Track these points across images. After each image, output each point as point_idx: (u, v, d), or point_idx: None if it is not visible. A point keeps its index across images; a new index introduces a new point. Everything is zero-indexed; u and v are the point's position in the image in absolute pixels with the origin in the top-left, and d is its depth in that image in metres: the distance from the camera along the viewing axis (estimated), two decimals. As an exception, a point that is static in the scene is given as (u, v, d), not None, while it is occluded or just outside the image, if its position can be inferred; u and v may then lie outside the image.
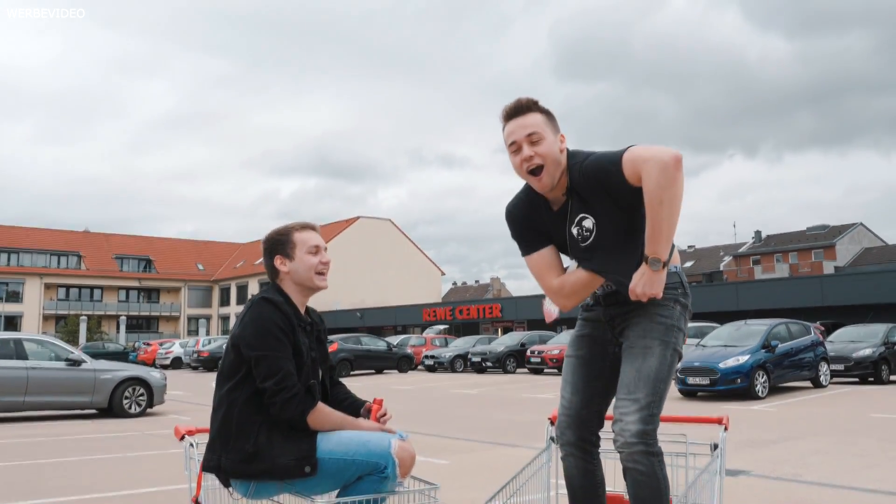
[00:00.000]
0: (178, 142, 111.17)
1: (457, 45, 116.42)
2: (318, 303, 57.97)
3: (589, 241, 2.52)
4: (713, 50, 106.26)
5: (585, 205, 2.51)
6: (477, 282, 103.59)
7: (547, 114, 2.54)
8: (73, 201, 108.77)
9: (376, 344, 27.99)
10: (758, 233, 70.14)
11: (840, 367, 16.61)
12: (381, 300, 56.06)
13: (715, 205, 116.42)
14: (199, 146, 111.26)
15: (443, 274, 68.18)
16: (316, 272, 2.61)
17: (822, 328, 22.35)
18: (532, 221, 2.67)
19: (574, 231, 2.55)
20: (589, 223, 2.51)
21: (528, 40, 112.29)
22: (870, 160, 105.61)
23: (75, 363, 12.05)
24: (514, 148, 2.52)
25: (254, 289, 66.18)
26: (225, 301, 71.24)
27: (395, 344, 29.30)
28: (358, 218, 64.64)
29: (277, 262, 2.61)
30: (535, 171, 2.51)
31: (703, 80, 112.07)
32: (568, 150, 2.58)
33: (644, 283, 2.40)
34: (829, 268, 57.62)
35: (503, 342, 26.99)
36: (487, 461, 7.20)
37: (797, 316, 25.08)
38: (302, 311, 2.60)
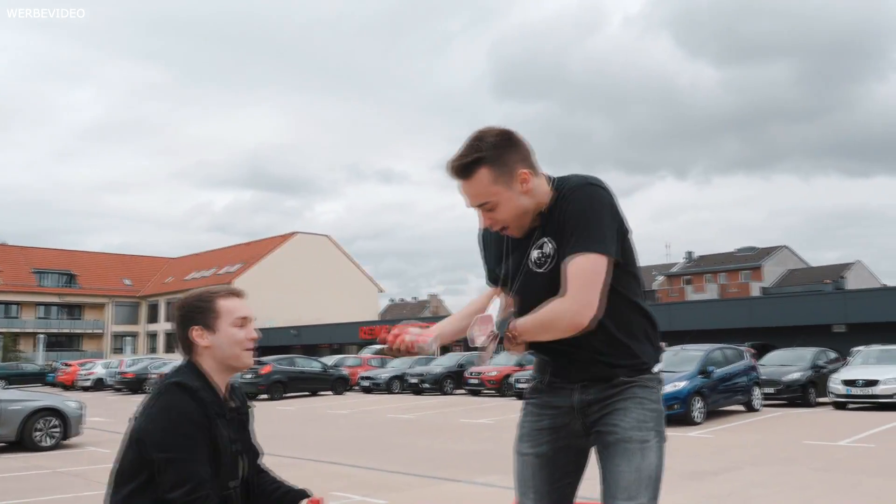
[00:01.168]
0: (106, 151, 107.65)
1: (397, 62, 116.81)
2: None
3: (545, 268, 2.16)
4: (646, 74, 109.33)
5: (553, 230, 2.16)
6: (415, 298, 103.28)
7: (496, 161, 2.10)
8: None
9: (311, 365, 27.33)
10: (689, 253, 72.01)
11: (771, 390, 16.91)
12: (317, 317, 55.15)
13: (648, 225, 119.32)
14: (130, 156, 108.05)
15: (381, 290, 67.60)
16: (244, 348, 2.22)
17: (754, 351, 22.85)
18: (500, 246, 2.37)
19: (534, 254, 2.18)
20: (549, 248, 2.15)
21: (468, 59, 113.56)
22: (791, 185, 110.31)
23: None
24: (476, 210, 2.20)
25: (184, 305, 64.14)
26: (153, 318, 68.94)
27: (330, 365, 28.69)
28: (295, 233, 63.61)
29: (195, 334, 2.17)
30: (502, 230, 2.22)
31: (637, 103, 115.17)
32: (554, 179, 2.22)
33: (488, 338, 2.10)
34: (755, 289, 59.51)
35: (441, 363, 26.68)
36: (429, 499, 6.90)
37: (728, 336, 25.59)
38: (223, 392, 2.19)
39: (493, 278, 2.39)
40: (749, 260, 66.42)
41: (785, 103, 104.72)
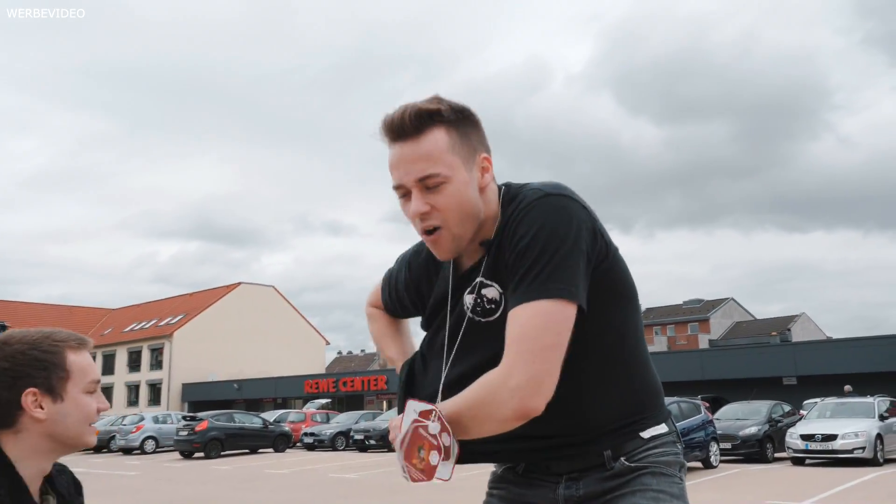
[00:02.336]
0: (49, 201, 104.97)
1: (345, 116, 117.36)
2: (193, 374, 54.79)
3: (493, 318, 1.51)
4: (589, 131, 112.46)
5: (497, 269, 1.52)
6: (363, 351, 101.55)
7: (458, 128, 1.48)
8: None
9: (251, 421, 26.03)
10: (638, 305, 72.63)
11: (728, 445, 16.41)
12: (261, 370, 53.41)
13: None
14: (73, 206, 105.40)
15: (327, 343, 66.18)
16: (90, 424, 1.53)
17: (707, 404, 22.49)
18: (420, 282, 1.72)
19: (468, 300, 1.55)
20: (492, 292, 1.52)
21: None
22: (733, 239, 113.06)
23: None
24: (401, 193, 1.51)
25: (122, 358, 61.83)
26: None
27: (271, 420, 27.45)
28: (239, 284, 62.05)
29: (28, 400, 1.45)
30: (431, 232, 1.50)
31: (581, 159, 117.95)
32: (502, 189, 1.57)
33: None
34: (704, 341, 59.92)
35: (388, 418, 25.78)
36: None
37: (679, 388, 25.34)
38: (38, 482, 1.48)
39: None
40: (696, 312, 67.17)
41: (724, 160, 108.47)
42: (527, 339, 1.36)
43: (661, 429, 1.56)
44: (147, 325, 61.81)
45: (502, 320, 1.45)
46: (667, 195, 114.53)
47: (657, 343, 62.57)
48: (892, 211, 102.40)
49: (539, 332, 1.36)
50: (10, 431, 1.45)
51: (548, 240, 1.40)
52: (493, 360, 1.41)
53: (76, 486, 1.63)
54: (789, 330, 60.36)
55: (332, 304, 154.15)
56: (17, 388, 1.44)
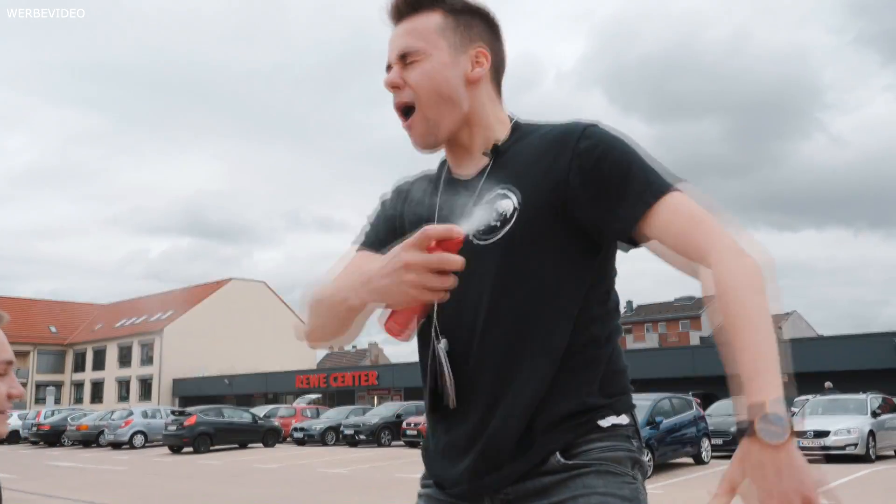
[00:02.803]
0: (39, 197, 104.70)
1: (334, 113, 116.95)
2: (184, 369, 54.56)
3: (495, 238, 1.29)
4: None
5: (513, 176, 1.32)
6: (354, 347, 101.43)
7: (458, 15, 1.39)
8: None
9: (240, 416, 25.93)
10: (629, 303, 72.59)
11: (719, 441, 16.37)
12: (252, 366, 53.24)
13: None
14: (63, 202, 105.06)
15: (317, 339, 66.08)
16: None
17: (699, 400, 22.45)
18: (407, 205, 1.48)
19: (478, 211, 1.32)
20: (508, 204, 1.30)
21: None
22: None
23: None
24: (386, 68, 1.42)
25: (112, 354, 61.55)
26: (79, 367, 65.82)
27: (261, 415, 27.33)
28: (230, 279, 61.87)
29: None
30: (406, 112, 1.38)
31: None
32: (515, 119, 1.44)
33: (772, 482, 0.99)
34: (695, 338, 60.06)
35: (378, 413, 25.76)
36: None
37: (670, 385, 25.33)
38: None
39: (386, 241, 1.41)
40: (688, 310, 67.28)
41: (715, 159, 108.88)
42: (707, 215, 1.22)
43: (623, 419, 1.31)
44: (138, 321, 61.56)
45: (502, 245, 1.28)
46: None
47: (648, 340, 62.74)
48: (884, 210, 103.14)
49: (702, 210, 1.23)
50: None
51: (634, 151, 1.31)
52: (485, 293, 1.26)
53: None
54: (780, 328, 60.06)
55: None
56: None
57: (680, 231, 1.21)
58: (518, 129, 1.42)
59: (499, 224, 1.29)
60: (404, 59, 1.36)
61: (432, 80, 1.35)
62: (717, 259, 1.16)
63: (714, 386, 28.76)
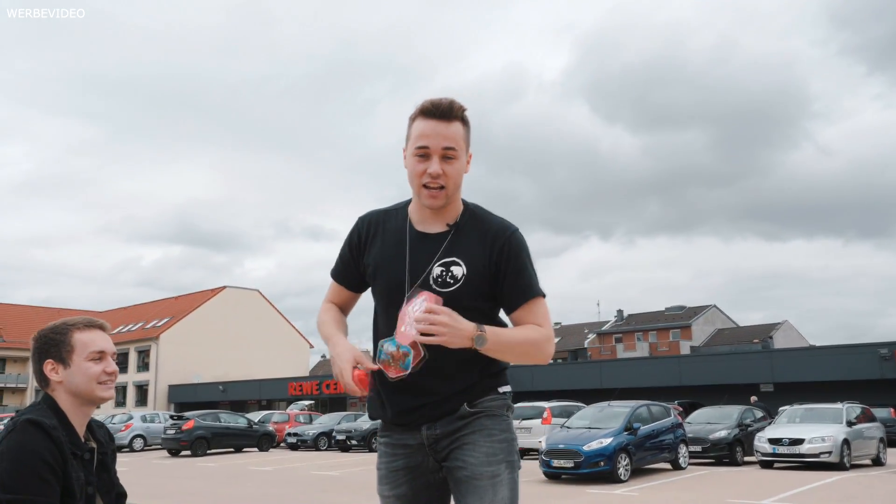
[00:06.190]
0: (34, 206, 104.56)
1: (323, 123, 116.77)
2: (179, 376, 54.86)
3: (447, 290, 2.13)
4: (566, 139, 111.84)
5: (464, 252, 2.17)
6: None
7: (467, 125, 2.21)
8: None
9: (236, 421, 26.43)
10: (620, 312, 73.02)
11: (698, 448, 16.96)
12: (246, 373, 53.64)
13: (576, 283, 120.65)
14: (58, 211, 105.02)
15: (311, 346, 66.31)
16: (99, 382, 2.11)
17: (681, 409, 23.02)
18: (374, 243, 2.29)
19: (437, 270, 2.15)
20: (459, 271, 2.15)
21: (393, 121, 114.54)
22: (713, 247, 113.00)
23: None
24: (422, 153, 2.13)
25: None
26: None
27: (256, 421, 27.79)
28: (224, 288, 62.12)
29: (48, 368, 2.09)
30: (437, 188, 2.15)
31: (559, 166, 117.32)
32: (467, 201, 2.32)
33: (442, 323, 2.01)
34: (685, 347, 60.58)
35: (369, 419, 26.04)
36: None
37: (657, 394, 25.81)
38: (83, 428, 2.11)
39: (355, 278, 2.36)
40: (678, 319, 67.76)
41: (701, 168, 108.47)
42: (549, 318, 2.21)
43: (507, 388, 2.28)
44: (134, 328, 61.78)
45: (452, 296, 2.11)
46: (646, 202, 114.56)
47: (639, 349, 63.13)
48: (873, 219, 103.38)
49: (549, 315, 2.23)
50: (51, 391, 2.09)
51: (529, 257, 2.24)
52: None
53: (111, 437, 2.30)
54: (771, 338, 61.01)
55: (315, 308, 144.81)
56: (41, 359, 2.11)
57: (531, 318, 2.21)
58: (467, 209, 2.26)
59: (452, 282, 2.15)
60: (446, 152, 2.13)
61: (459, 175, 2.18)
62: (541, 330, 2.21)
63: (700, 395, 29.35)
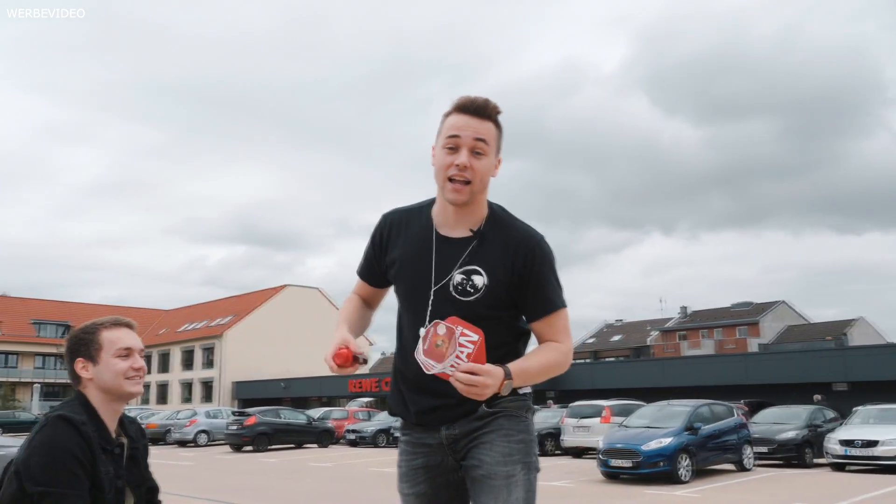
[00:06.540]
0: (105, 208, 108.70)
1: (379, 122, 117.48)
2: (243, 372, 56.09)
3: (467, 299, 2.12)
4: (625, 132, 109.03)
5: (486, 261, 2.14)
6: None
7: (500, 128, 2.18)
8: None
9: (296, 417, 26.87)
10: (684, 308, 71.44)
11: (764, 449, 16.39)
12: (307, 370, 54.47)
13: (638, 280, 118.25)
14: (127, 213, 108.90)
15: (371, 344, 66.98)
16: (126, 377, 2.19)
17: (746, 408, 22.34)
18: (397, 242, 2.28)
19: (458, 277, 2.14)
20: (480, 281, 2.13)
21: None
22: (782, 241, 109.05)
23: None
24: (452, 144, 2.10)
25: (176, 357, 63.64)
26: (147, 369, 68.22)
27: (316, 417, 28.19)
28: (285, 286, 63.24)
29: (79, 366, 2.17)
30: (463, 182, 2.11)
31: (619, 160, 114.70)
32: (492, 204, 2.25)
33: (482, 384, 1.94)
34: (753, 345, 58.85)
35: (389, 415, 26.19)
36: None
37: (722, 393, 25.09)
38: (113, 424, 2.19)
39: (379, 276, 2.36)
40: (745, 315, 65.93)
41: (769, 159, 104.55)
42: (568, 329, 2.21)
43: (527, 389, 2.25)
44: (199, 326, 63.47)
45: (470, 305, 2.11)
46: (710, 196, 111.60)
47: (704, 346, 61.66)
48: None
49: (568, 325, 2.23)
50: (83, 388, 2.17)
51: (553, 268, 2.22)
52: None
53: (142, 433, 2.36)
54: (845, 335, 58.73)
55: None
56: (73, 359, 2.18)
57: (551, 332, 2.21)
58: (492, 213, 2.21)
59: (472, 291, 2.13)
60: (477, 144, 2.09)
61: (486, 173, 2.14)
62: (560, 347, 2.21)
63: (768, 394, 28.44)
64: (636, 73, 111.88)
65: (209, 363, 59.19)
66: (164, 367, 64.93)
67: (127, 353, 2.20)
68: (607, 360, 60.62)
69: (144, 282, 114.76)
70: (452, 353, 1.96)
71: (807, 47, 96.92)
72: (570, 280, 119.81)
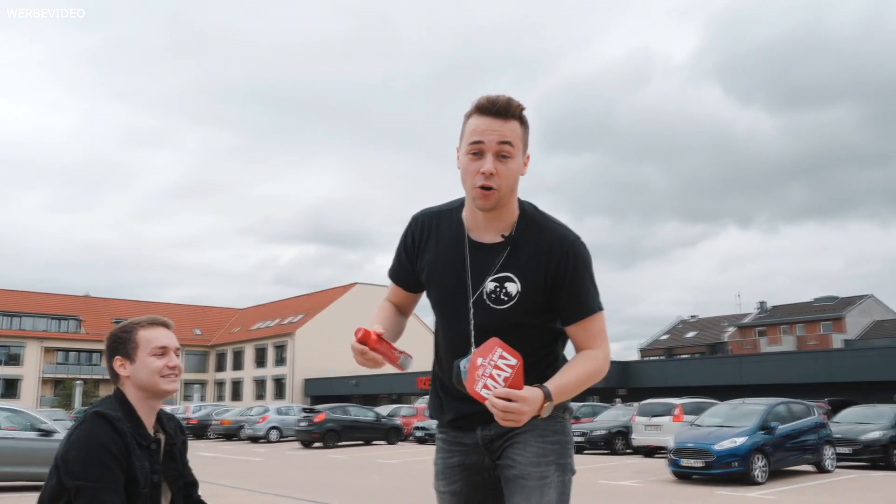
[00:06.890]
0: (182, 210, 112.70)
1: (447, 119, 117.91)
2: (314, 370, 57.10)
3: (501, 307, 2.07)
4: (697, 123, 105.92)
5: (519, 268, 2.08)
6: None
7: (526, 125, 2.07)
8: (78, 267, 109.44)
9: (365, 414, 27.12)
10: (762, 303, 69.14)
11: (847, 450, 15.61)
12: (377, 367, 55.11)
13: (714, 274, 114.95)
14: (203, 215, 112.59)
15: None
16: (161, 375, 2.24)
17: (828, 407, 21.41)
18: (429, 245, 2.21)
19: (490, 286, 2.08)
20: (513, 288, 2.07)
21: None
22: (869, 232, 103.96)
23: (47, 433, 11.61)
24: (476, 150, 2.00)
25: (250, 355, 65.25)
26: (221, 366, 70.25)
27: (384, 414, 28.37)
28: (354, 284, 64.08)
29: (117, 364, 2.25)
30: (487, 189, 2.01)
31: (691, 151, 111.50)
32: (523, 203, 2.15)
33: (518, 411, 1.84)
34: (838, 341, 56.45)
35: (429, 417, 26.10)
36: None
37: (803, 391, 24.15)
38: (151, 420, 2.25)
39: (411, 279, 2.28)
40: (828, 310, 63.24)
41: (852, 147, 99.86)
42: (604, 333, 2.13)
43: None
44: (271, 324, 64.91)
45: (503, 311, 2.06)
46: (789, 187, 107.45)
47: (784, 343, 59.47)
48: None
49: (605, 329, 2.14)
50: (121, 385, 2.23)
51: (590, 269, 2.14)
52: (502, 329, 2.00)
53: (180, 429, 2.38)
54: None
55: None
56: (111, 357, 2.26)
57: (586, 336, 2.12)
58: (523, 215, 2.12)
59: (506, 299, 2.07)
60: (502, 148, 1.99)
61: (514, 176, 2.03)
62: (597, 354, 2.11)
63: (854, 393, 27.19)
64: (708, 62, 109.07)
65: (281, 360, 60.46)
66: (238, 364, 66.63)
67: (162, 351, 2.25)
68: (681, 357, 59.11)
69: (219, 281, 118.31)
70: (486, 375, 1.88)
71: (891, 28, 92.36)
72: (642, 275, 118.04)
